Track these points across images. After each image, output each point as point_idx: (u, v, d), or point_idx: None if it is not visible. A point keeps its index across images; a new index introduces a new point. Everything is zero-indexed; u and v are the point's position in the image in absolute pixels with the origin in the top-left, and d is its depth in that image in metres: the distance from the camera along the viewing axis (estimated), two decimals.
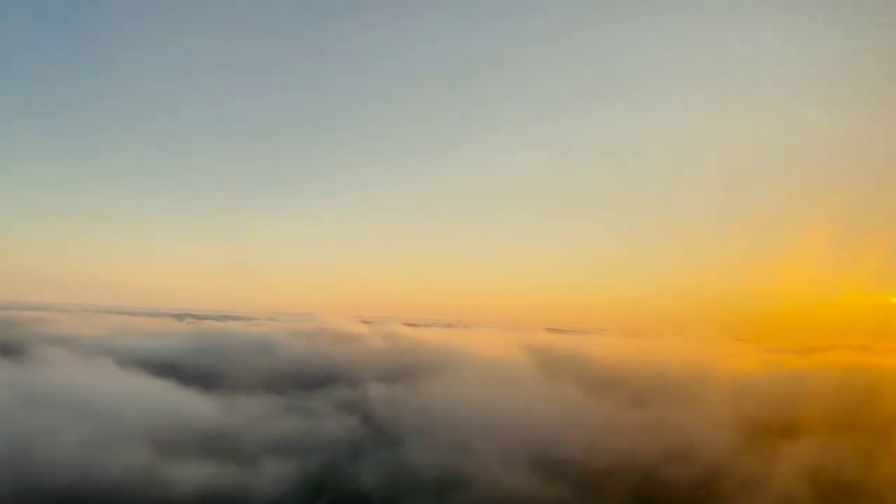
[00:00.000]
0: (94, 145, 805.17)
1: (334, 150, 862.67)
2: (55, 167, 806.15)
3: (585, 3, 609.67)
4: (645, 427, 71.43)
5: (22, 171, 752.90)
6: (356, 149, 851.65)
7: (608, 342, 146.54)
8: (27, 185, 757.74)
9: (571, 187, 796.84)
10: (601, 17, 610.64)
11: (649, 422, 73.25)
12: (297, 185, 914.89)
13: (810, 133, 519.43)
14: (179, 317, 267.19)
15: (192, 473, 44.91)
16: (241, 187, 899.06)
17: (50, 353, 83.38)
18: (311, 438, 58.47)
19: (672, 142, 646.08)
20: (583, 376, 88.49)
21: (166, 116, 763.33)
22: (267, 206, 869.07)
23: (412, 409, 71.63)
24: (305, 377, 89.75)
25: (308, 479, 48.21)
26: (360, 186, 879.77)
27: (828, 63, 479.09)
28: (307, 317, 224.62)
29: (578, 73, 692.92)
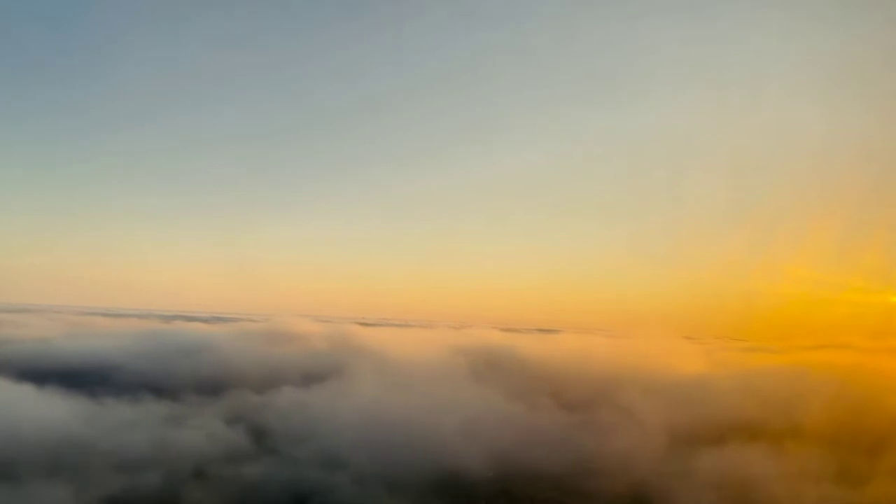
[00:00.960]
0: (91, 146, 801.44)
1: (335, 150, 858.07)
2: (53, 168, 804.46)
3: (586, 3, 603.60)
4: (568, 434, 64.80)
5: (20, 172, 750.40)
6: (355, 150, 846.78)
7: (568, 341, 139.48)
8: (26, 186, 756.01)
9: (559, 187, 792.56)
10: (602, 17, 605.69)
11: (574, 428, 66.56)
12: (295, 187, 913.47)
13: (810, 132, 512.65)
14: (168, 318, 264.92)
15: None
16: (240, 189, 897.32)
17: None
18: (169, 452, 51.57)
19: (670, 141, 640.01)
20: (515, 378, 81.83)
21: (162, 117, 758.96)
22: (267, 209, 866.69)
23: (309, 416, 64.74)
24: (214, 381, 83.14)
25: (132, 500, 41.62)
26: (354, 189, 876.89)
27: (828, 63, 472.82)
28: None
29: (575, 73, 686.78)
